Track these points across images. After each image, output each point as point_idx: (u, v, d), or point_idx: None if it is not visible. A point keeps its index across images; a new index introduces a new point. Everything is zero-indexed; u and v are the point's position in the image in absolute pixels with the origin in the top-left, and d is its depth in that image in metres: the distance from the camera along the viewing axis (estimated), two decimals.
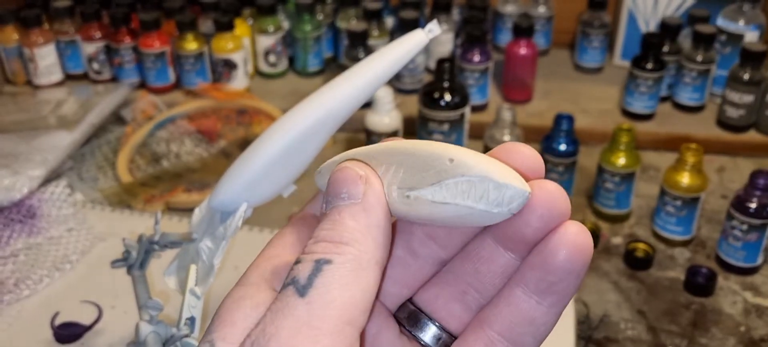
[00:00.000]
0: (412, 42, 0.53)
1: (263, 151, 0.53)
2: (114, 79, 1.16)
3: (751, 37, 1.02)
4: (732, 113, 0.99)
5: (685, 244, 0.83)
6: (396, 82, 1.10)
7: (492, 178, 0.23)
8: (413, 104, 0.93)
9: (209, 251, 0.55)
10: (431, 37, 0.54)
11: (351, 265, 0.24)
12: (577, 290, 0.25)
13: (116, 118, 1.09)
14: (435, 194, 0.24)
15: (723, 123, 1.01)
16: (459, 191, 0.24)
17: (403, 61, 0.54)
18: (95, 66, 1.16)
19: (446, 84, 0.87)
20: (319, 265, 0.24)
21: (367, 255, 0.24)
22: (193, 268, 0.56)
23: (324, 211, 0.26)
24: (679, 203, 0.80)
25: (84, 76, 1.18)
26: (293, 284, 0.24)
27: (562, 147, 0.85)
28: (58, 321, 0.71)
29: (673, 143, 0.96)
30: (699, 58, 1.00)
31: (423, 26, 0.50)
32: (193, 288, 0.55)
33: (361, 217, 0.25)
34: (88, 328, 0.70)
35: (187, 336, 0.54)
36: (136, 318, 0.57)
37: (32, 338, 0.69)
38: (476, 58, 1.01)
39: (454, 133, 0.88)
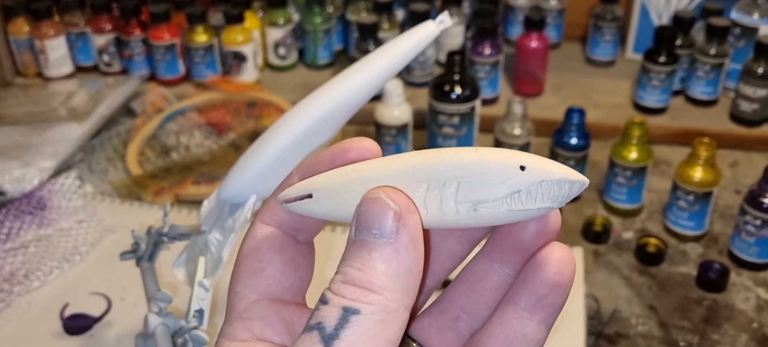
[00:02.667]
0: (423, 33, 0.53)
1: (272, 144, 0.53)
2: (124, 72, 1.17)
3: (765, 30, 1.01)
4: (746, 107, 0.98)
5: (697, 239, 0.82)
6: (406, 74, 1.09)
7: (568, 177, 0.24)
8: (423, 96, 0.93)
9: (218, 244, 0.55)
10: (442, 29, 0.54)
11: (379, 316, 0.23)
12: (564, 305, 0.27)
13: (126, 110, 1.09)
14: (513, 204, 0.24)
15: (736, 117, 1.00)
16: (537, 195, 0.24)
17: (413, 52, 0.53)
18: (105, 58, 1.16)
19: (457, 77, 0.87)
20: (347, 315, 0.23)
21: (395, 303, 0.24)
22: (201, 260, 0.56)
23: (353, 238, 0.25)
24: (691, 197, 0.80)
25: (94, 69, 1.19)
26: (319, 330, 0.24)
27: (573, 141, 0.84)
28: (67, 313, 0.71)
29: (685, 138, 0.95)
30: (712, 51, 0.99)
31: (434, 18, 0.49)
32: (201, 280, 0.55)
33: (392, 261, 0.24)
34: (98, 320, 0.71)
35: (195, 328, 0.54)
36: (145, 310, 0.57)
37: (42, 329, 0.70)
38: (487, 51, 1.00)
39: (464, 126, 0.88)
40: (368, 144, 0.27)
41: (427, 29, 0.53)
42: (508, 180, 0.24)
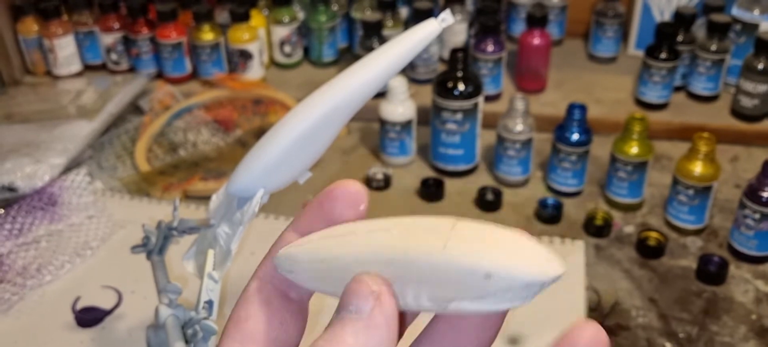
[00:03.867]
0: (425, 31, 0.54)
1: (279, 139, 0.54)
2: (132, 70, 1.18)
3: (766, 26, 1.02)
4: (746, 102, 0.99)
5: (697, 233, 0.83)
6: (410, 71, 1.11)
7: (537, 280, 0.24)
8: (428, 93, 0.94)
9: (226, 237, 0.57)
10: (444, 26, 0.54)
11: None
12: None
13: (134, 108, 1.11)
14: (480, 306, 0.25)
15: (737, 113, 1.01)
16: (505, 297, 0.24)
17: (416, 49, 0.54)
18: (113, 57, 1.18)
19: (460, 74, 0.88)
20: None
21: None
22: (210, 253, 0.57)
23: (333, 317, 0.25)
24: (691, 192, 0.81)
25: (102, 67, 1.20)
26: None
27: (575, 137, 0.85)
28: (79, 306, 0.73)
29: (687, 133, 0.96)
30: (713, 47, 1.00)
31: (436, 16, 0.51)
32: (210, 272, 0.56)
33: (361, 335, 0.24)
34: (109, 312, 0.72)
35: (205, 318, 0.55)
36: (155, 303, 0.59)
37: (54, 322, 0.71)
38: (490, 48, 1.01)
39: (467, 122, 0.89)
40: (354, 191, 0.28)
41: (429, 27, 0.54)
42: (474, 287, 0.24)
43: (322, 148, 0.57)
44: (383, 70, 0.55)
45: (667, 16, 1.12)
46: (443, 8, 1.10)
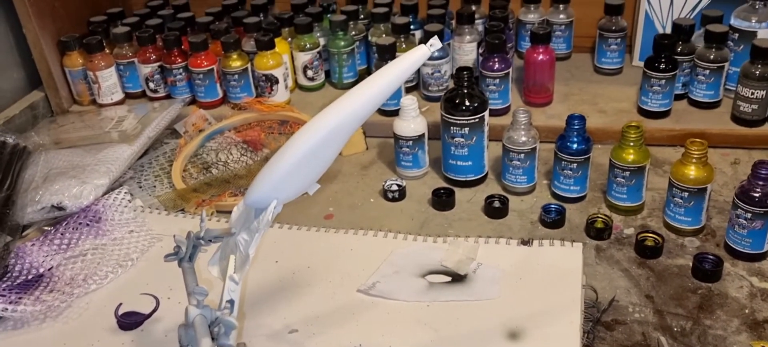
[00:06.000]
0: (417, 55, 0.62)
1: (287, 157, 0.61)
2: (168, 97, 1.25)
3: (763, 34, 1.05)
4: (745, 108, 1.02)
5: (695, 233, 0.87)
6: (424, 90, 1.17)
7: None
8: (439, 109, 1.00)
9: (245, 243, 0.64)
10: (433, 51, 0.62)
11: None
12: None
13: (171, 131, 1.18)
14: None
15: (737, 118, 1.04)
16: None
17: (409, 71, 0.62)
18: (151, 85, 1.26)
19: (466, 90, 0.94)
20: None
21: None
22: (232, 258, 0.64)
23: None
24: (686, 194, 0.85)
25: (142, 95, 1.28)
26: None
27: (575, 146, 0.90)
28: (121, 311, 0.79)
29: (688, 139, 1.00)
30: (711, 56, 1.04)
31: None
32: (232, 274, 0.63)
33: None
34: (148, 316, 0.78)
35: (227, 315, 0.62)
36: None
37: (99, 326, 0.78)
38: (496, 66, 1.07)
39: (474, 136, 0.95)
40: None
41: (419, 52, 0.61)
42: None
43: (327, 162, 0.65)
44: (380, 91, 0.63)
45: (669, 29, 1.16)
46: (454, 31, 1.16)
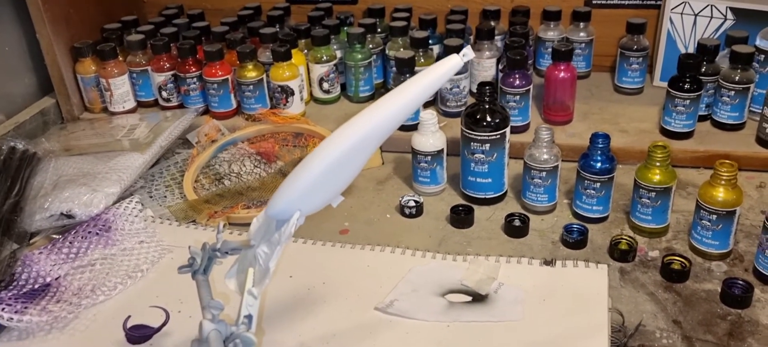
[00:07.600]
0: (449, 64, 0.60)
1: (312, 167, 0.59)
2: (181, 106, 1.25)
3: None
4: None
5: (722, 258, 0.85)
6: (441, 105, 1.15)
7: None
8: (458, 125, 0.98)
9: (265, 256, 0.62)
10: (465, 61, 0.60)
11: None
12: None
13: (183, 141, 1.17)
14: None
15: (762, 140, 1.02)
16: None
17: (441, 81, 0.60)
18: (164, 94, 1.25)
19: (487, 106, 0.92)
20: None
21: None
22: (251, 271, 0.62)
23: None
24: (714, 217, 0.82)
25: (154, 104, 1.27)
26: None
27: (598, 165, 0.88)
28: (129, 324, 0.77)
29: (712, 161, 0.97)
30: (737, 77, 1.02)
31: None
32: (250, 288, 0.61)
33: None
34: (157, 330, 0.76)
35: (245, 331, 0.60)
36: (199, 321, 0.63)
37: (106, 339, 0.76)
38: (517, 82, 1.05)
39: (495, 152, 0.93)
40: None
41: (452, 61, 0.59)
42: None
43: (352, 174, 0.63)
44: (410, 102, 0.61)
45: (691, 49, 1.14)
46: (474, 46, 1.15)
